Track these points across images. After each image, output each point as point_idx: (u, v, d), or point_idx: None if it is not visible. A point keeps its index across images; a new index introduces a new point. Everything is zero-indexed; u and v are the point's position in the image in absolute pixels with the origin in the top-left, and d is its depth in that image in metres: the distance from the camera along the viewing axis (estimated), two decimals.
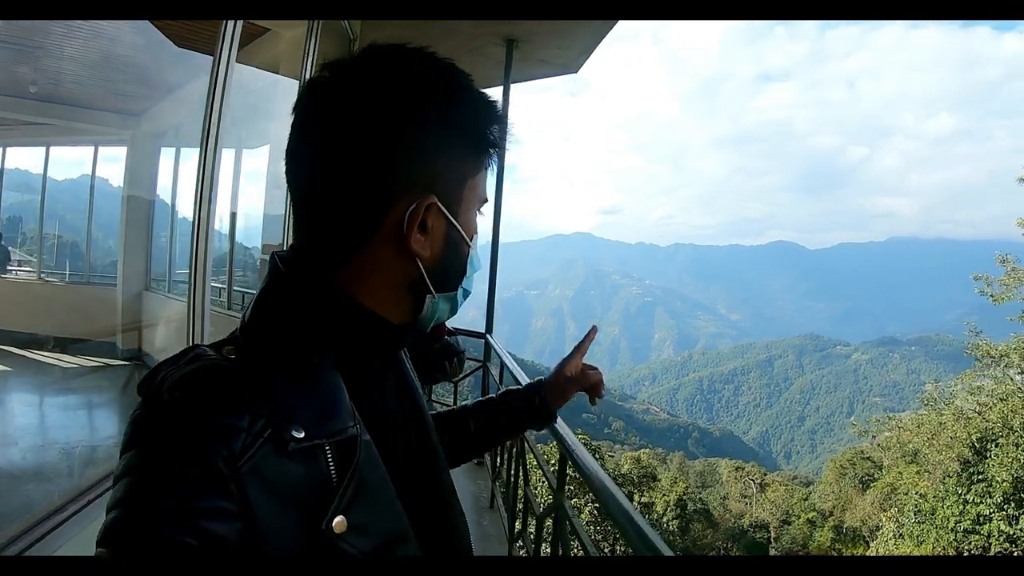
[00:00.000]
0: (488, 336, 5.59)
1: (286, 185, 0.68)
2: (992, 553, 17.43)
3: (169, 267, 5.80)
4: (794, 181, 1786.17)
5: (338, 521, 0.56)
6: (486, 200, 0.74)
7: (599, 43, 5.80)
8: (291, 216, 3.95)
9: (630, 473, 31.20)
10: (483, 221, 0.76)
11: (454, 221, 0.68)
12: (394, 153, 0.63)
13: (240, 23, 3.14)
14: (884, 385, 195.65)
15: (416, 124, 0.63)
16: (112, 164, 5.69)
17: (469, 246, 0.72)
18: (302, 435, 0.56)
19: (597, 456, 25.58)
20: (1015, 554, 16.97)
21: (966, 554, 17.77)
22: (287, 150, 0.67)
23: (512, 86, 5.88)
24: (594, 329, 1.24)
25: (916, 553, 18.88)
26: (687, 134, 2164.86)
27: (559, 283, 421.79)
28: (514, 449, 3.77)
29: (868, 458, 32.44)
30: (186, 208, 5.62)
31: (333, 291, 0.65)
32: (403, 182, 0.64)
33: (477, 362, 5.75)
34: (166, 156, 5.66)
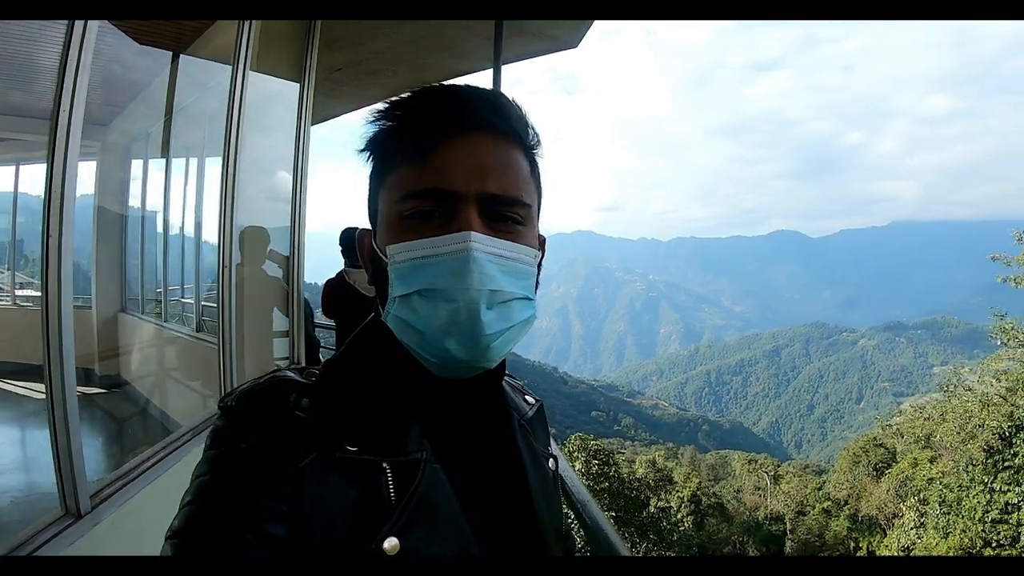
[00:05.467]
0: None
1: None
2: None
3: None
4: (792, 168, 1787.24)
5: (390, 543, 0.57)
6: (416, 192, 0.64)
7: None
8: None
9: (646, 477, 30.50)
10: None
11: (373, 243, 0.69)
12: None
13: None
14: (892, 370, 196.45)
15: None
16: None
17: (386, 260, 0.65)
18: (354, 450, 0.60)
19: (611, 461, 25.33)
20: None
21: (995, 544, 17.29)
22: None
23: (506, 70, 5.23)
24: None
25: (943, 545, 18.44)
26: (681, 127, 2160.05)
27: (562, 282, 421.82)
28: None
29: (881, 445, 32.09)
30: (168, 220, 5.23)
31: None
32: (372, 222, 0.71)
33: None
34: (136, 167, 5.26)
